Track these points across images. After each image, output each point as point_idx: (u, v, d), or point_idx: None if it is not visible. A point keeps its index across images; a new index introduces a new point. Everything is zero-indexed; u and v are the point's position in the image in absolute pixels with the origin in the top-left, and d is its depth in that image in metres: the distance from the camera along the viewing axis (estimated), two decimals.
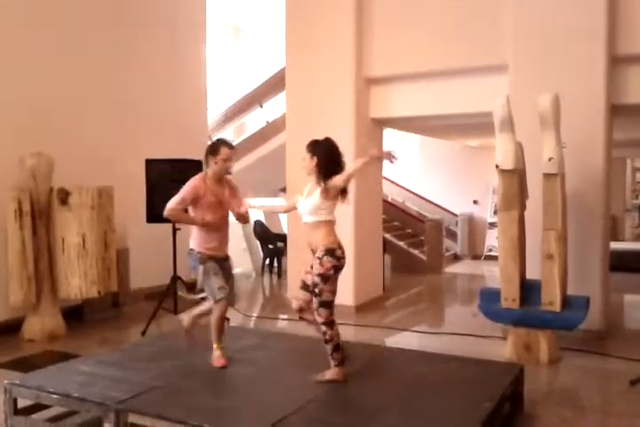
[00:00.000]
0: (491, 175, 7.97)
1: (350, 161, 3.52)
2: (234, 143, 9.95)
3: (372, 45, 6.50)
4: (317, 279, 3.36)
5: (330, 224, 3.46)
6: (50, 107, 6.00)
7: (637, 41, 5.20)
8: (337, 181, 3.33)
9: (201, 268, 3.85)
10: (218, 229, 3.93)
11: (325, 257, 3.36)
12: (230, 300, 4.02)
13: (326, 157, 3.40)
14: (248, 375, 3.68)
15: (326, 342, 3.41)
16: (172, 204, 3.83)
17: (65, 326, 5.64)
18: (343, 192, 3.47)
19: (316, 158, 3.41)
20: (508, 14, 5.58)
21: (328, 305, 3.39)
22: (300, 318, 3.66)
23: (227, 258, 4.03)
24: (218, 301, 3.81)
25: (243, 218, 3.97)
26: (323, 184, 3.36)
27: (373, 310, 6.77)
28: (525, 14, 5.49)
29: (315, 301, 3.39)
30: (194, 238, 3.92)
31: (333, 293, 3.40)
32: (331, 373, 3.44)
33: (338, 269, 3.40)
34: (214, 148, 3.89)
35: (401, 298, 7.88)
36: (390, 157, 3.44)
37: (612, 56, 5.23)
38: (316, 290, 3.36)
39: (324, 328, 3.39)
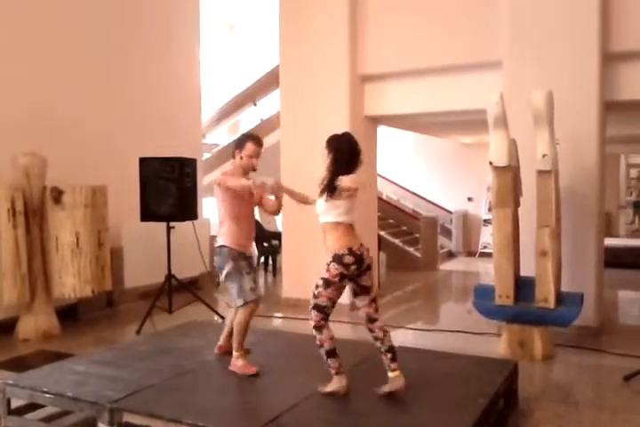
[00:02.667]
0: (485, 172, 7.98)
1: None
2: (228, 142, 9.87)
3: (366, 43, 6.50)
4: (320, 282, 3.19)
5: (340, 227, 3.20)
6: (43, 105, 5.97)
7: (630, 38, 5.21)
8: (345, 181, 3.09)
9: (230, 265, 3.61)
10: (248, 223, 3.77)
11: (332, 264, 3.16)
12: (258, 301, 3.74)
13: (337, 154, 3.19)
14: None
15: (318, 347, 3.23)
16: (220, 174, 3.69)
17: (59, 325, 5.62)
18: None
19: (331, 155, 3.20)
20: (501, 11, 5.59)
21: (321, 309, 3.19)
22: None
23: (252, 256, 3.87)
24: (247, 303, 3.58)
25: (277, 199, 3.74)
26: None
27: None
28: (519, 11, 5.49)
29: (311, 300, 3.24)
30: (224, 233, 3.68)
31: (331, 299, 3.19)
32: (331, 384, 3.24)
33: (345, 277, 3.18)
34: (240, 142, 3.72)
35: (396, 295, 7.89)
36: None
37: (605, 53, 5.24)
38: (315, 291, 3.20)
39: (314, 332, 3.22)
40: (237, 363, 3.60)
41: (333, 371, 3.23)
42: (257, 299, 3.63)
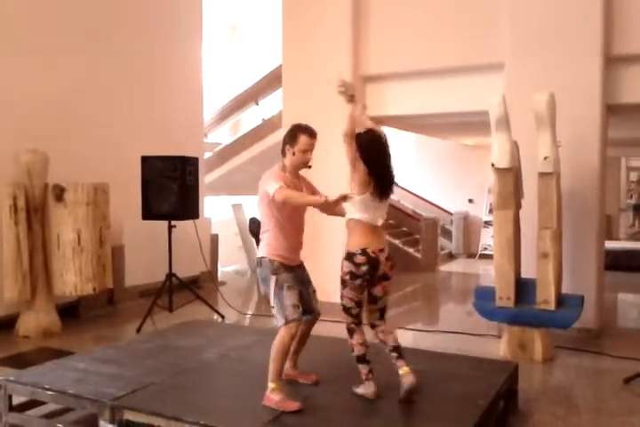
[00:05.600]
0: (486, 174, 7.98)
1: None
2: (229, 141, 9.84)
3: (368, 44, 6.51)
4: (340, 283, 3.20)
5: (354, 224, 3.15)
6: (46, 103, 5.97)
7: (632, 41, 5.22)
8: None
9: (273, 279, 3.20)
10: (297, 231, 3.35)
11: (344, 262, 3.15)
12: (314, 317, 3.39)
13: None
14: (243, 373, 3.68)
15: (350, 350, 3.24)
16: (279, 188, 3.07)
17: (60, 322, 5.63)
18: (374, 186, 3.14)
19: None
20: (504, 13, 5.59)
21: (347, 311, 3.19)
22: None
23: (301, 265, 3.40)
24: (288, 322, 3.11)
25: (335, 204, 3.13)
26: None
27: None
28: (521, 13, 5.50)
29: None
30: (267, 244, 3.25)
31: (352, 300, 3.17)
32: (361, 388, 3.23)
33: (355, 276, 3.12)
34: (292, 135, 3.24)
35: (396, 296, 7.89)
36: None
37: (608, 55, 5.25)
38: (340, 293, 3.20)
39: (348, 334, 3.25)
40: (274, 397, 3.04)
41: (363, 376, 3.21)
42: (299, 318, 3.16)
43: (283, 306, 3.13)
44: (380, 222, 3.21)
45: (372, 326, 3.30)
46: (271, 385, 3.07)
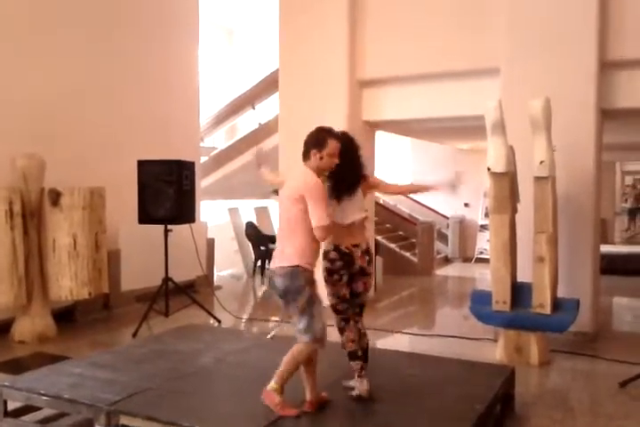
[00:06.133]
0: (482, 178, 8.01)
1: None
2: (225, 146, 9.86)
3: (364, 48, 6.53)
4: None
5: (333, 226, 3.18)
6: (42, 108, 5.96)
7: (627, 46, 5.25)
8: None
9: (306, 292, 3.01)
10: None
11: (322, 261, 3.29)
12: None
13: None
14: (239, 377, 3.68)
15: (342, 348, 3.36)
16: (327, 227, 3.00)
17: (55, 327, 5.61)
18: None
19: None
20: (500, 18, 5.61)
21: (334, 308, 3.33)
22: None
23: None
24: (316, 342, 3.02)
25: None
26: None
27: (365, 311, 6.76)
28: (518, 19, 5.52)
29: None
30: (300, 251, 3.03)
31: (334, 295, 3.29)
32: (352, 382, 3.33)
33: (332, 272, 3.24)
34: (320, 139, 3.13)
35: (392, 300, 7.90)
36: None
37: (603, 61, 5.28)
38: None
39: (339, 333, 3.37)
40: (273, 398, 3.01)
41: (355, 373, 3.31)
42: (326, 341, 3.08)
43: (313, 323, 3.00)
44: (348, 221, 3.28)
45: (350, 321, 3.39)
46: (274, 386, 3.03)
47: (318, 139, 3.14)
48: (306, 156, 3.16)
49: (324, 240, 3.10)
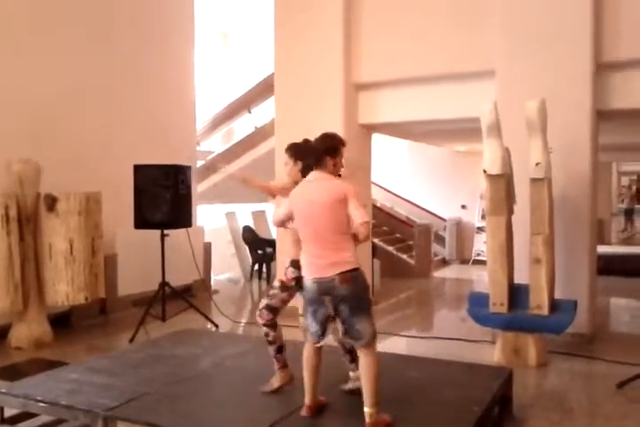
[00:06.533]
0: (478, 180, 8.02)
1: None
2: (221, 150, 9.82)
3: (360, 51, 6.53)
4: (276, 284, 3.46)
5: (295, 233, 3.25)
6: (38, 113, 5.96)
7: (622, 47, 5.26)
8: None
9: (368, 295, 3.10)
10: None
11: (289, 268, 3.38)
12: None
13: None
14: (237, 381, 3.67)
15: (270, 343, 3.44)
16: (367, 216, 3.01)
17: (52, 333, 5.59)
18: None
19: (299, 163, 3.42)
20: (494, 20, 5.63)
21: (273, 310, 3.42)
22: None
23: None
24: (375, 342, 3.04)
25: None
26: None
27: None
28: (512, 20, 5.54)
29: (263, 301, 3.45)
30: (355, 254, 3.02)
31: (285, 302, 3.46)
32: (276, 379, 3.44)
33: (299, 281, 3.23)
34: (335, 146, 3.13)
35: (390, 303, 7.89)
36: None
37: (598, 62, 5.30)
38: (270, 292, 3.47)
39: (266, 330, 3.42)
40: (385, 418, 2.95)
41: (280, 365, 3.43)
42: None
43: (371, 326, 2.97)
44: None
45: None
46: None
47: (333, 146, 3.13)
48: (320, 163, 3.09)
49: (368, 239, 3.06)
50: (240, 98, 10.80)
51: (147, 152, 6.71)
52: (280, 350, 3.45)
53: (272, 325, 3.42)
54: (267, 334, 3.42)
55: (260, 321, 3.42)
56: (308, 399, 3.10)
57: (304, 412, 3.07)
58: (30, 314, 5.44)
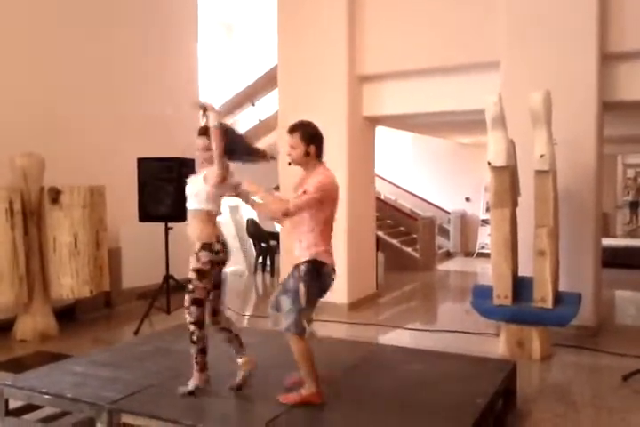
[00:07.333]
0: (483, 172, 7.99)
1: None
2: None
3: (364, 43, 6.50)
4: (193, 275, 3.19)
5: (209, 215, 3.29)
6: (42, 106, 5.96)
7: (628, 38, 5.22)
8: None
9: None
10: None
11: (201, 252, 3.24)
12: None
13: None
14: None
15: (193, 343, 3.22)
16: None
17: (57, 326, 5.61)
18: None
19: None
20: (500, 12, 5.59)
21: (199, 303, 3.19)
22: None
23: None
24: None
25: None
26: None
27: (366, 307, 6.78)
28: (517, 12, 5.49)
29: (187, 297, 3.19)
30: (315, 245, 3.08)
31: (206, 289, 3.22)
32: (194, 380, 3.26)
33: (213, 264, 3.20)
34: (319, 136, 3.16)
35: (394, 295, 7.89)
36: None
37: (603, 53, 5.25)
38: (190, 286, 3.18)
39: (192, 328, 3.19)
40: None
41: (199, 367, 3.25)
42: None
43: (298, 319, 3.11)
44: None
45: (216, 314, 3.32)
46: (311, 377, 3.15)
47: (318, 136, 3.16)
48: (307, 153, 3.12)
49: (272, 215, 3.27)
50: (244, 90, 10.77)
51: (150, 145, 6.70)
52: (203, 351, 3.26)
53: (200, 323, 3.20)
54: (192, 333, 3.19)
55: (190, 319, 3.17)
56: (316, 386, 3.10)
57: (318, 399, 3.10)
58: (35, 307, 5.46)
